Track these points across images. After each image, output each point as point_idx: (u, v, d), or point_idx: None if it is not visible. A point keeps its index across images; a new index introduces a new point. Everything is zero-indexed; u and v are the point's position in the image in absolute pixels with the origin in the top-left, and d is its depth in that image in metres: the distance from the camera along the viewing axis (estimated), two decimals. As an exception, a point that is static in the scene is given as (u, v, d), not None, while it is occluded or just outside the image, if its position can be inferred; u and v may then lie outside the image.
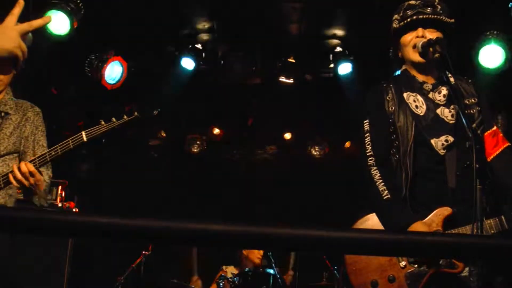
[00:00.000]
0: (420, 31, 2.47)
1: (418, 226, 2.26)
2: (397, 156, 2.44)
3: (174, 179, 7.65)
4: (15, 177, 2.65)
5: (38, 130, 3.01)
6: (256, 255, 5.65)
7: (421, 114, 2.46)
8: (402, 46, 2.55)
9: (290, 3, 5.43)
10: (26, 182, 2.65)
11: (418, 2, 2.52)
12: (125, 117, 2.73)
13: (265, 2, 5.41)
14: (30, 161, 2.69)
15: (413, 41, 2.48)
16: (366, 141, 2.50)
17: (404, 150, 2.42)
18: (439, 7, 2.50)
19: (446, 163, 2.40)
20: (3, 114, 2.91)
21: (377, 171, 2.41)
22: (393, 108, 2.50)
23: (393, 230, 2.29)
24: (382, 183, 2.38)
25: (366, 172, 2.44)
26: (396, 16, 2.58)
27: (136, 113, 2.76)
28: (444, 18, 2.48)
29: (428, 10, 2.47)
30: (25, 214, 1.13)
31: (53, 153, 2.69)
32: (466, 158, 2.31)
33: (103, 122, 2.72)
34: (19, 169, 2.65)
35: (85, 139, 2.68)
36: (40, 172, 2.75)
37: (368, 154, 2.47)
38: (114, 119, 2.73)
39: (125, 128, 2.75)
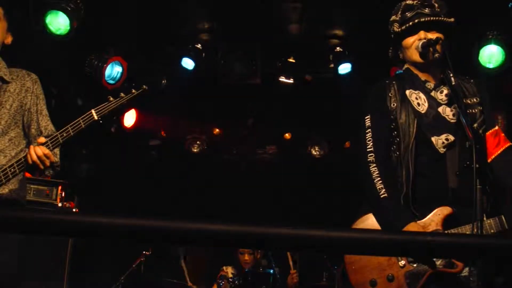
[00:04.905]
0: (422, 34, 2.46)
1: (412, 227, 2.25)
2: (398, 153, 2.43)
3: (174, 179, 7.64)
4: (31, 159, 2.63)
5: (39, 100, 2.95)
6: (242, 259, 5.60)
7: (423, 112, 2.46)
8: (404, 48, 2.55)
9: (290, 3, 5.42)
10: (41, 166, 2.64)
11: (415, 2, 2.51)
12: (133, 91, 2.70)
13: (265, 2, 5.40)
14: (42, 144, 2.65)
15: (415, 43, 2.48)
16: (367, 137, 2.48)
17: (405, 147, 2.42)
18: (436, 5, 2.49)
19: (446, 162, 2.40)
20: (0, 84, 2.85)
21: (376, 168, 2.40)
22: (395, 104, 2.50)
23: (390, 229, 2.29)
24: (380, 181, 2.36)
25: (365, 169, 2.43)
26: (394, 17, 2.58)
27: (144, 86, 2.72)
28: (444, 18, 2.47)
29: (427, 11, 2.47)
30: (25, 215, 1.13)
31: (65, 134, 2.66)
32: (467, 157, 2.31)
33: (111, 98, 2.68)
34: (35, 151, 2.62)
35: (95, 117, 2.64)
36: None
37: (368, 150, 2.45)
38: (122, 94, 2.70)
39: (134, 101, 2.72)
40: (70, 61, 5.65)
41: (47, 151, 2.63)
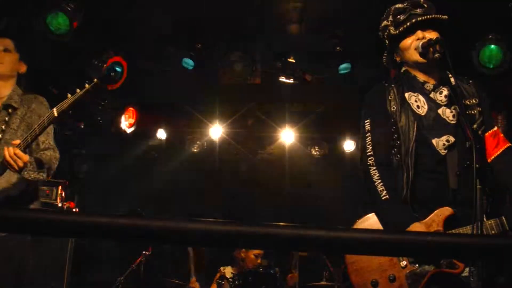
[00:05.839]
0: (419, 33, 2.46)
1: (416, 227, 2.27)
2: (398, 156, 2.44)
3: (174, 179, 7.64)
4: (5, 159, 2.79)
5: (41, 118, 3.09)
6: (251, 257, 5.60)
7: (423, 114, 2.46)
8: (402, 50, 2.54)
9: (290, 3, 5.42)
10: (14, 165, 2.79)
11: (405, 4, 2.52)
12: (86, 85, 2.87)
13: (265, 2, 5.40)
14: (16, 146, 2.81)
15: (414, 43, 2.47)
16: (367, 141, 2.50)
17: (405, 150, 2.42)
18: (426, 6, 2.50)
19: (447, 163, 2.40)
20: (10, 110, 3.06)
21: (376, 171, 2.42)
22: (395, 108, 2.50)
23: (393, 230, 2.29)
24: (381, 183, 2.38)
25: (366, 172, 2.45)
26: (386, 22, 2.57)
27: (95, 79, 2.90)
28: (439, 16, 2.48)
29: (419, 11, 2.47)
30: (26, 214, 1.13)
31: (32, 134, 2.86)
32: (467, 158, 2.31)
33: (69, 95, 2.86)
34: (8, 151, 2.80)
35: (56, 114, 2.83)
36: (29, 152, 2.91)
37: (368, 153, 2.47)
38: (78, 90, 2.87)
39: (89, 95, 2.88)
40: (70, 61, 5.65)
41: (18, 151, 2.79)
